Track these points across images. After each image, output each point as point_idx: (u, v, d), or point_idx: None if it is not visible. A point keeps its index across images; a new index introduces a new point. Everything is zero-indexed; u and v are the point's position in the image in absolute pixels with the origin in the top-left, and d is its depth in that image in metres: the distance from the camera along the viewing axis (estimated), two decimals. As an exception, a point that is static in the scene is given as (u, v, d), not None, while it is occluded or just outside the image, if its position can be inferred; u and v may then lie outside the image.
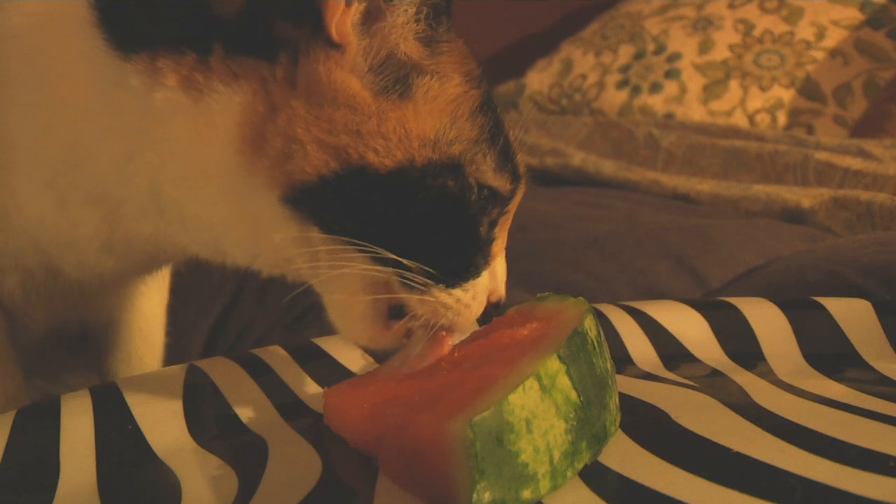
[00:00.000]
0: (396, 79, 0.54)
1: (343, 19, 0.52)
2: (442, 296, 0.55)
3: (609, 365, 0.51)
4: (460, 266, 0.56)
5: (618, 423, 0.51)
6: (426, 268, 0.54)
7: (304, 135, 0.52)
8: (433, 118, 0.54)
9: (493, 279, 0.59)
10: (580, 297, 0.54)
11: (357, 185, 0.52)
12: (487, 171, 0.57)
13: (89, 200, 0.60)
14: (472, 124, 0.56)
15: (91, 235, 0.62)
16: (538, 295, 0.56)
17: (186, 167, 0.55)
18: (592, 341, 0.49)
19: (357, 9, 0.53)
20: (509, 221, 0.61)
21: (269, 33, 0.53)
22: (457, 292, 0.56)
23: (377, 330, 0.57)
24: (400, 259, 0.53)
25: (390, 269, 0.54)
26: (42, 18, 0.57)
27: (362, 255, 0.53)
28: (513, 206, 0.61)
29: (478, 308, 0.58)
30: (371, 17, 0.54)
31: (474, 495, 0.41)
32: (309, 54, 0.52)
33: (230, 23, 0.53)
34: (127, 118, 0.55)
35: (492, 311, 0.60)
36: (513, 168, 0.59)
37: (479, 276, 0.57)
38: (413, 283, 0.54)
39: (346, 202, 0.52)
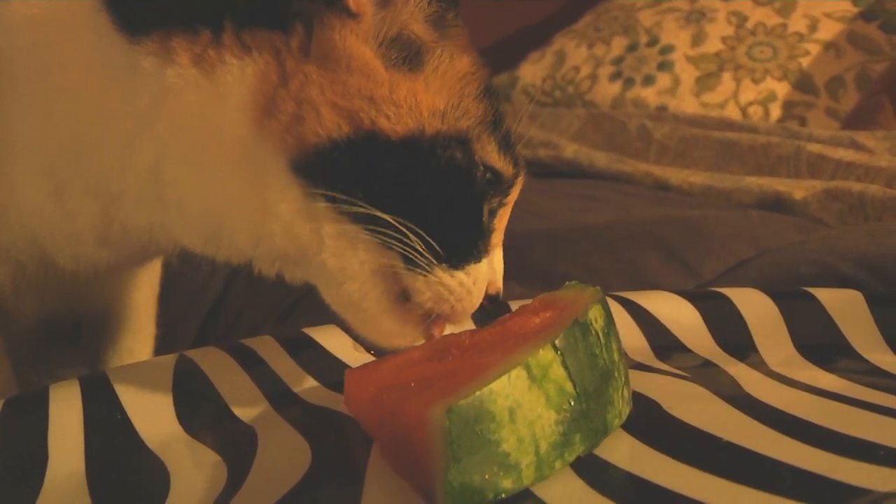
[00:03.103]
0: (407, 55, 0.56)
1: None
2: (445, 277, 0.55)
3: (617, 357, 0.50)
4: (463, 246, 0.56)
5: (624, 418, 0.50)
6: (431, 242, 0.54)
7: (318, 97, 0.53)
8: (442, 92, 0.56)
9: (491, 270, 0.59)
10: (597, 288, 0.54)
11: (369, 151, 0.53)
12: (492, 152, 0.58)
13: (88, 191, 0.60)
14: (479, 104, 0.57)
15: (88, 227, 0.62)
16: (566, 283, 0.56)
17: (195, 140, 0.55)
18: (597, 332, 0.49)
19: None
20: (507, 215, 0.62)
21: (284, 7, 0.54)
22: (459, 275, 0.56)
23: (398, 321, 0.57)
24: (406, 231, 0.53)
25: (396, 247, 0.54)
26: (46, 10, 0.58)
27: (368, 231, 0.54)
28: (511, 199, 0.61)
29: (478, 296, 0.58)
30: None
31: (447, 482, 0.41)
32: (324, 23, 0.54)
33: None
34: (135, 100, 0.55)
35: (488, 305, 0.60)
36: (514, 155, 0.60)
37: (479, 262, 0.57)
38: (418, 262, 0.54)
39: (358, 168, 0.53)
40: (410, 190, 0.54)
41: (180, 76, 0.54)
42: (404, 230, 0.53)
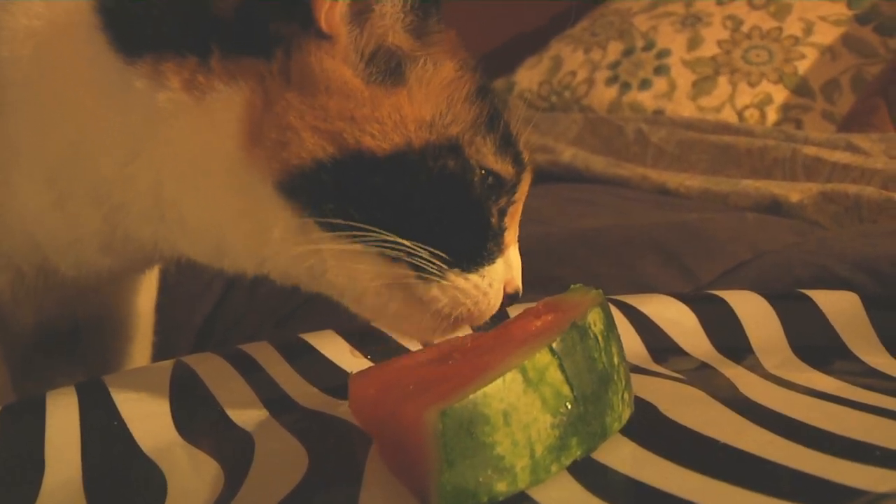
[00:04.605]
0: (389, 67, 0.55)
1: (332, 11, 0.53)
2: (459, 280, 0.55)
3: (616, 361, 0.50)
4: (473, 250, 0.56)
5: (624, 421, 0.50)
6: (438, 252, 0.54)
7: (298, 122, 0.52)
8: (429, 102, 0.55)
9: (507, 269, 0.59)
10: (599, 291, 0.53)
11: (357, 170, 0.53)
12: (488, 154, 0.57)
13: (89, 200, 0.60)
14: (469, 108, 0.57)
15: (91, 235, 0.62)
16: (571, 286, 0.56)
17: (189, 166, 0.56)
18: (596, 336, 0.49)
19: (345, 1, 0.54)
20: (519, 211, 0.61)
21: (263, 31, 0.54)
22: (474, 277, 0.56)
23: (427, 321, 0.57)
24: (409, 245, 0.53)
25: (403, 259, 0.53)
26: (47, 22, 0.58)
27: (368, 246, 0.53)
28: (520, 195, 0.61)
29: (495, 297, 0.58)
30: (359, 9, 0.55)
31: (441, 485, 0.41)
32: (301, 48, 0.53)
33: (228, 22, 0.54)
34: (130, 119, 0.56)
35: (508, 303, 0.59)
36: (515, 153, 0.59)
37: (493, 263, 0.57)
38: (429, 269, 0.54)
39: (347, 187, 0.53)
40: (406, 203, 0.54)
41: (171, 100, 0.54)
42: (406, 243, 0.53)
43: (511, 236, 0.60)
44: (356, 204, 0.53)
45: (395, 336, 0.67)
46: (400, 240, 0.53)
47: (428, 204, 0.54)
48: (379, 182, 0.53)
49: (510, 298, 0.59)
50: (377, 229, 0.53)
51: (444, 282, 0.55)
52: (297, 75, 0.53)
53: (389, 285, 0.55)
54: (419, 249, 0.53)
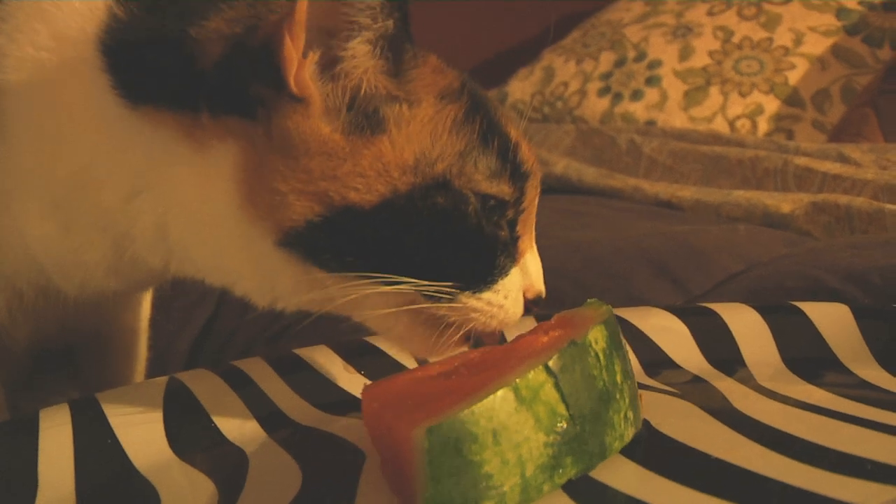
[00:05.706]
0: (367, 115, 0.54)
1: (301, 72, 0.52)
2: (471, 301, 0.56)
3: (620, 379, 0.50)
4: (482, 271, 0.56)
5: (627, 440, 0.50)
6: (445, 282, 0.54)
7: (284, 186, 0.53)
8: (411, 143, 0.55)
9: (526, 276, 0.59)
10: (608, 307, 0.53)
11: (348, 223, 0.53)
12: (481, 181, 0.56)
13: (96, 227, 0.60)
14: (455, 138, 0.56)
15: (98, 260, 0.62)
16: (587, 300, 0.56)
17: (191, 213, 0.56)
18: (597, 353, 0.48)
19: (313, 59, 0.53)
20: (532, 217, 0.61)
21: (244, 92, 0.54)
22: (486, 295, 0.56)
23: (432, 341, 0.57)
24: (413, 281, 0.53)
25: (410, 288, 0.54)
26: (53, 54, 0.58)
27: (377, 282, 0.54)
28: (529, 202, 0.60)
29: (514, 306, 0.58)
30: (329, 64, 0.54)
31: (426, 502, 0.41)
32: (278, 111, 0.53)
33: (210, 78, 0.54)
34: (133, 159, 0.56)
35: (532, 308, 0.60)
36: (514, 168, 0.58)
37: (507, 276, 0.57)
38: (437, 295, 0.54)
39: (341, 240, 0.53)
40: (403, 245, 0.54)
41: (171, 152, 0.55)
42: (410, 281, 0.53)
43: (526, 242, 0.60)
44: (354, 253, 0.53)
45: (392, 352, 0.67)
46: (404, 279, 0.53)
47: (425, 241, 0.54)
48: (371, 231, 0.53)
49: (533, 303, 0.60)
50: (379, 273, 0.53)
51: (455, 304, 0.55)
52: (278, 138, 0.53)
53: (399, 310, 0.56)
54: (424, 283, 0.54)
